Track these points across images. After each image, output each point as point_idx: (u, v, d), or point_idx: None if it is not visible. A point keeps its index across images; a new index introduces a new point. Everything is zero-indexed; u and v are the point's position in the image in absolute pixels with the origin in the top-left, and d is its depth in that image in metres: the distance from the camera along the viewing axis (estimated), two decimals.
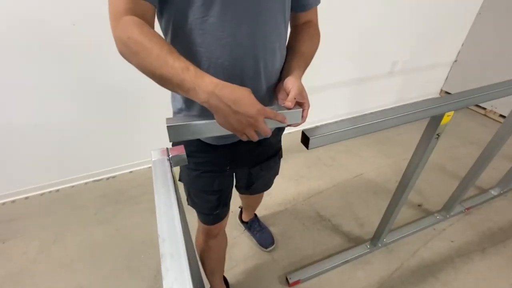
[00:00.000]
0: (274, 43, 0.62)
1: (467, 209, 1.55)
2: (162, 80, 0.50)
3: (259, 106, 0.51)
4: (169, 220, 0.45)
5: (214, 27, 0.55)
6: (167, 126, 0.55)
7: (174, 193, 0.51)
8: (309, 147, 0.65)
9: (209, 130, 0.57)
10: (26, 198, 1.65)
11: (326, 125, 0.67)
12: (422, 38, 2.27)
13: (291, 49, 0.68)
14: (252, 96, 0.51)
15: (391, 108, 0.75)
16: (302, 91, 0.59)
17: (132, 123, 1.68)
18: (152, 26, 0.53)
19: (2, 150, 1.48)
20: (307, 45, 0.68)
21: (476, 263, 1.32)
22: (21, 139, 1.49)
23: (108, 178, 1.80)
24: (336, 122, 0.69)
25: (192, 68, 0.49)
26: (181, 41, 0.58)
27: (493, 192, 1.64)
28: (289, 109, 0.57)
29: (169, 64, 0.48)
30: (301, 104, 0.59)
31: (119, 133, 1.68)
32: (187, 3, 0.53)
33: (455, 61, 2.60)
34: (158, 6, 0.56)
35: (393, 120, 0.73)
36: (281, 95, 0.63)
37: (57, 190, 1.71)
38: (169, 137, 0.57)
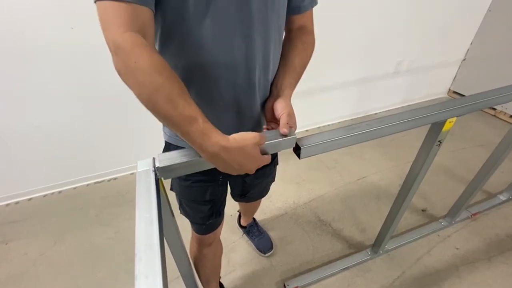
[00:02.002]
0: (268, 53, 0.60)
1: (474, 215, 1.50)
2: (166, 120, 0.46)
3: (260, 160, 0.53)
4: (149, 238, 0.44)
5: (205, 40, 0.53)
6: (159, 167, 0.54)
7: (157, 208, 0.49)
8: (300, 157, 0.63)
9: (204, 167, 0.58)
10: (29, 199, 1.68)
11: (319, 134, 0.65)
12: (429, 37, 2.20)
13: (284, 60, 0.65)
14: (257, 151, 0.52)
15: (389, 116, 0.71)
16: (292, 116, 0.58)
17: (133, 125, 1.68)
18: (153, 37, 0.49)
19: (6, 152, 1.50)
20: (301, 57, 0.65)
21: (482, 272, 1.27)
22: (24, 142, 1.50)
23: (109, 180, 1.81)
24: (329, 130, 0.66)
25: (200, 120, 0.46)
26: (171, 53, 0.56)
27: (501, 197, 1.58)
28: (285, 135, 0.57)
29: (178, 109, 0.44)
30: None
31: (121, 135, 1.68)
32: (177, 16, 0.51)
33: (464, 59, 2.52)
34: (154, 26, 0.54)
35: (390, 128, 0.70)
36: (269, 115, 0.61)
37: (60, 192, 1.72)
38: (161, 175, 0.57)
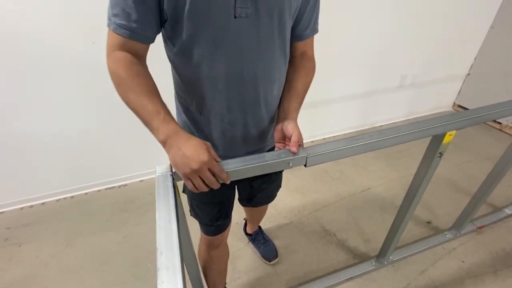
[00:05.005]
0: (273, 74, 0.67)
1: (479, 228, 1.49)
2: (134, 112, 0.58)
3: (206, 157, 0.54)
4: (168, 234, 0.48)
5: (219, 64, 0.60)
6: (175, 172, 0.60)
7: (175, 208, 0.54)
8: (306, 165, 0.67)
9: None
10: (43, 203, 1.73)
11: (324, 143, 0.69)
12: (433, 52, 2.26)
13: (288, 86, 0.72)
14: (204, 148, 0.55)
15: (391, 128, 0.76)
16: (300, 136, 0.64)
17: (143, 133, 1.73)
18: (144, 59, 0.61)
19: (22, 158, 1.57)
20: (303, 82, 0.72)
21: (487, 286, 1.26)
22: (40, 148, 1.58)
23: (119, 186, 1.86)
24: (334, 141, 0.70)
25: (162, 113, 0.56)
26: (188, 74, 0.63)
27: (508, 211, 1.58)
28: (295, 153, 0.63)
29: (143, 104, 0.56)
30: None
31: (131, 142, 1.75)
32: (194, 42, 0.58)
33: (468, 74, 2.56)
34: (168, 42, 0.62)
35: (392, 139, 0.74)
36: (277, 136, 0.67)
37: (72, 197, 1.78)
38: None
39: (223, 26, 0.56)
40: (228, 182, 0.59)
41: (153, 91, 0.58)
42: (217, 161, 0.57)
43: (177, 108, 0.76)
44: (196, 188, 0.57)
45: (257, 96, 0.67)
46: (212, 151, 0.57)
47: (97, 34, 1.34)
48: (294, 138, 0.62)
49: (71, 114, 1.54)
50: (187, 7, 0.53)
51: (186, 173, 0.55)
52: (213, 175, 0.56)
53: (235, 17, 0.55)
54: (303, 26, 0.69)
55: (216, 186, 0.57)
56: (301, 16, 0.67)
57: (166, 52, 0.66)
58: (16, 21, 1.23)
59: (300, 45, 0.72)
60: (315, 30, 0.72)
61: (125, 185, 1.87)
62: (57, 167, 1.67)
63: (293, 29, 0.68)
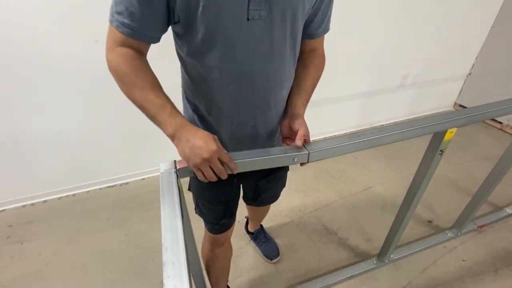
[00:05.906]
0: (283, 75, 0.67)
1: (480, 227, 1.50)
2: (139, 107, 0.58)
3: (215, 147, 0.55)
4: (173, 230, 0.49)
5: (230, 66, 0.60)
6: (179, 169, 0.61)
7: (179, 204, 0.54)
8: (308, 161, 0.68)
9: None
10: (45, 201, 1.74)
11: (325, 140, 0.70)
12: (434, 52, 2.26)
13: (297, 81, 0.72)
14: (212, 139, 0.56)
15: (392, 125, 0.76)
16: (307, 132, 0.65)
17: (145, 132, 1.74)
18: (145, 55, 0.61)
19: (24, 156, 1.58)
20: (312, 79, 0.72)
21: (488, 285, 1.27)
22: (42, 146, 1.58)
23: (121, 185, 1.87)
24: (335, 138, 0.71)
25: (168, 106, 0.57)
26: (198, 74, 0.64)
27: (508, 210, 1.58)
28: (299, 148, 0.64)
29: (148, 99, 0.56)
30: (304, 141, 0.66)
31: (133, 141, 1.75)
32: (206, 45, 0.58)
33: (469, 74, 2.56)
34: (179, 41, 0.62)
35: (394, 136, 0.74)
36: (285, 131, 0.68)
37: (74, 195, 1.79)
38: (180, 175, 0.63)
39: (236, 29, 0.56)
40: (235, 172, 0.60)
41: (157, 85, 0.58)
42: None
43: (184, 106, 0.76)
44: (206, 178, 0.58)
45: (267, 98, 0.67)
46: (219, 143, 0.57)
47: (99, 33, 1.35)
48: (300, 133, 0.63)
49: (72, 113, 1.54)
50: (199, 10, 0.53)
51: (197, 163, 0.55)
52: (222, 164, 0.57)
53: (247, 19, 0.55)
54: (315, 26, 0.69)
55: (224, 176, 0.58)
56: (315, 15, 0.67)
57: (176, 49, 0.66)
58: (15, 20, 1.23)
59: (311, 43, 0.72)
60: (327, 29, 0.72)
61: (127, 183, 1.87)
62: (58, 165, 1.68)
63: (305, 28, 0.68)
